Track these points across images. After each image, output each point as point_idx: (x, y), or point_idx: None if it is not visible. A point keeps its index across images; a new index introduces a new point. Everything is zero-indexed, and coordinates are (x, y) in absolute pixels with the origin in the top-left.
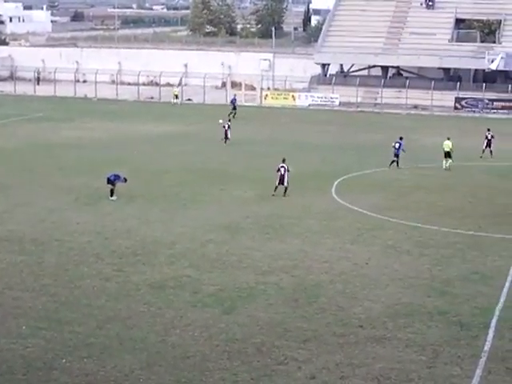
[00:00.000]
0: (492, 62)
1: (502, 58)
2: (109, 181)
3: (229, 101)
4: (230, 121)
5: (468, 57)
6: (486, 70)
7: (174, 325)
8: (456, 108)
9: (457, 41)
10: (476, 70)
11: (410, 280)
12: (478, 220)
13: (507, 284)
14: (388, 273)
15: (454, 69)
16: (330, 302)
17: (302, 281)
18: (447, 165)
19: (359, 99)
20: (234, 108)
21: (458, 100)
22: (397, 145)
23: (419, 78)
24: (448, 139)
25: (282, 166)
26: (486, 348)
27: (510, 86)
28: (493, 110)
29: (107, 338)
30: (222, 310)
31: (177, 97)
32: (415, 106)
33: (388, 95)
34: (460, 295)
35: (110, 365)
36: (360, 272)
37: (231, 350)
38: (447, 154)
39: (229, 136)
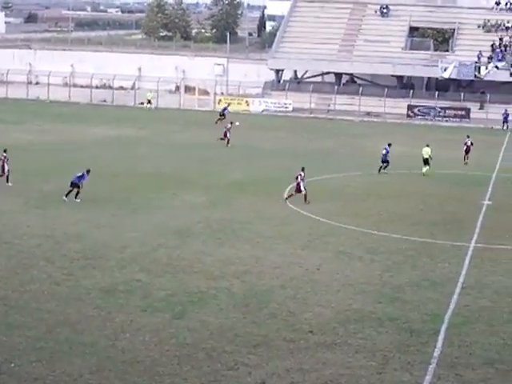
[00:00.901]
0: (445, 70)
1: (454, 66)
2: (72, 184)
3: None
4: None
5: (421, 65)
6: (439, 79)
7: (124, 329)
8: (408, 115)
9: (410, 49)
10: (429, 78)
11: (361, 286)
12: (428, 227)
13: (457, 290)
14: (339, 278)
15: (408, 76)
16: (280, 308)
17: (252, 286)
18: (424, 171)
19: (312, 105)
20: (222, 115)
21: (410, 108)
22: (384, 151)
23: (372, 85)
24: (427, 146)
25: (300, 174)
26: (436, 354)
27: (462, 94)
28: (445, 118)
29: (57, 342)
30: (172, 314)
31: (150, 102)
32: (368, 113)
33: (341, 102)
34: (410, 301)
35: (60, 369)
36: (311, 277)
37: (181, 355)
38: (426, 161)
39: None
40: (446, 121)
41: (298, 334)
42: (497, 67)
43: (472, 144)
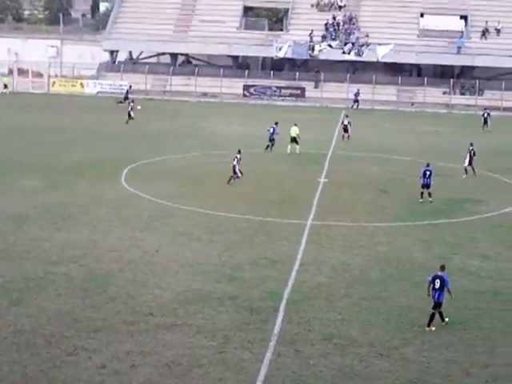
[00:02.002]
0: (280, 49)
1: (289, 46)
2: None
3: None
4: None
5: (256, 44)
6: (274, 58)
7: None
8: (245, 95)
9: (245, 28)
10: (264, 57)
11: (200, 266)
12: (266, 206)
13: (295, 268)
14: (178, 260)
15: (243, 56)
16: (119, 291)
17: (91, 270)
18: (297, 151)
19: (148, 86)
20: (126, 98)
21: (246, 87)
22: (271, 129)
23: (208, 65)
24: (295, 125)
25: (236, 157)
26: (276, 331)
27: (297, 73)
28: (281, 98)
29: None
30: (9, 301)
31: (6, 86)
32: (204, 94)
33: (177, 83)
34: (249, 280)
35: None
36: (150, 260)
37: (20, 342)
38: (293, 139)
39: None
40: (282, 100)
41: (137, 316)
42: (330, 46)
43: (349, 123)
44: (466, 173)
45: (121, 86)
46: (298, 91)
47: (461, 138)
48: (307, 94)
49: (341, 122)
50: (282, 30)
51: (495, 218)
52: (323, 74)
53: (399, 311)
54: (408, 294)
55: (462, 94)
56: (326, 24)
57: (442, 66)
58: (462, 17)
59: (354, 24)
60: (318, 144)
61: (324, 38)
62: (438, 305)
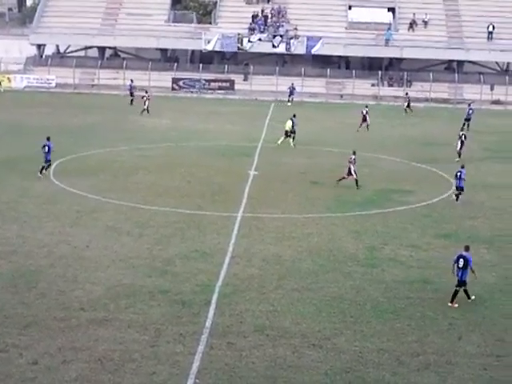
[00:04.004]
0: (208, 42)
1: (218, 39)
2: None
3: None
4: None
5: (185, 38)
6: (203, 51)
7: None
8: (173, 88)
9: (173, 21)
10: (193, 50)
11: (131, 261)
12: (196, 199)
13: (226, 260)
14: (108, 254)
15: (171, 49)
16: (50, 287)
17: (20, 266)
18: (292, 144)
19: (76, 80)
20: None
21: (175, 80)
22: (290, 122)
23: (137, 58)
24: (290, 119)
25: (351, 158)
26: (208, 324)
27: (226, 66)
28: (210, 91)
29: None
30: None
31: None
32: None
33: (105, 76)
34: (181, 273)
35: None
36: (80, 255)
37: None
38: (286, 133)
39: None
40: (211, 93)
41: (68, 312)
42: (260, 39)
43: (367, 113)
44: (459, 156)
45: (48, 80)
46: (228, 84)
47: (389, 130)
48: (236, 86)
49: (360, 111)
50: (210, 22)
51: (424, 208)
52: (252, 67)
53: (331, 302)
54: (339, 284)
55: (391, 85)
56: (254, 17)
57: (370, 58)
58: (389, 9)
59: (282, 17)
60: (247, 136)
61: (253, 30)
62: (461, 283)
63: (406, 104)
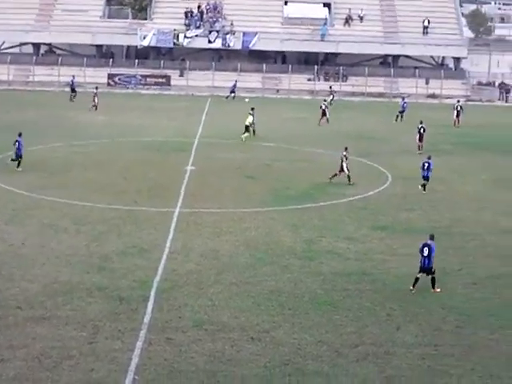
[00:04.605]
0: (144, 38)
1: (153, 34)
2: None
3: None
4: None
5: (120, 33)
6: (139, 47)
7: None
8: (109, 84)
9: (109, 17)
10: (128, 46)
11: (68, 257)
12: (133, 195)
13: (164, 256)
14: (45, 252)
15: (107, 45)
16: None
17: None
18: (243, 139)
19: (11, 77)
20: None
21: (110, 76)
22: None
23: (72, 55)
24: (250, 114)
25: (344, 154)
26: (146, 320)
27: (162, 62)
28: (146, 86)
29: None
30: None
31: None
32: (68, 84)
33: (40, 73)
34: (118, 270)
35: None
36: (16, 253)
37: None
38: (247, 128)
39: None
40: (147, 89)
41: (5, 310)
42: (196, 35)
43: (327, 107)
44: (419, 149)
45: None
46: (164, 80)
47: (326, 124)
48: (173, 82)
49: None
50: (145, 18)
51: (360, 201)
52: (188, 63)
53: (269, 295)
54: (277, 277)
55: (327, 80)
56: (189, 12)
57: (306, 53)
58: (325, 4)
59: (218, 12)
60: (184, 132)
61: (188, 26)
62: (424, 270)
63: (331, 98)
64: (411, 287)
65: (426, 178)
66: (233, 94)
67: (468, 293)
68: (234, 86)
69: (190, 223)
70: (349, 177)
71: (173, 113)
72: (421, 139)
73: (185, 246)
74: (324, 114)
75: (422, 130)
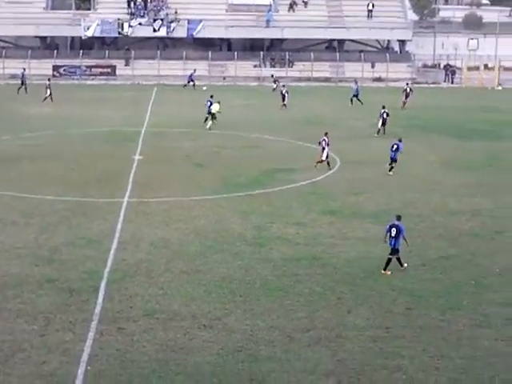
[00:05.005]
0: (88, 28)
1: (97, 24)
2: None
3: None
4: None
5: (64, 24)
6: (83, 37)
7: None
8: (54, 76)
9: (52, 8)
10: (73, 37)
11: (17, 251)
12: (81, 186)
13: (114, 246)
14: None
15: (51, 37)
16: None
17: None
18: (208, 126)
19: None
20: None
21: (55, 68)
22: (208, 103)
23: (15, 47)
24: (217, 103)
25: (324, 140)
26: (97, 311)
27: (106, 52)
28: (91, 77)
29: None
30: None
31: None
32: (13, 76)
33: None
34: (68, 261)
35: None
36: None
37: None
38: (213, 116)
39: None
40: (93, 79)
41: None
42: (140, 23)
43: (287, 92)
44: (378, 133)
45: None
46: (109, 70)
47: (273, 110)
48: (118, 72)
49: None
50: (89, 8)
51: (309, 186)
52: (133, 52)
53: (220, 282)
54: (228, 264)
55: (273, 66)
56: (133, 1)
57: (251, 39)
58: None
59: (162, 1)
60: (131, 121)
61: (133, 15)
62: (394, 251)
63: (275, 86)
64: (382, 271)
65: (393, 160)
66: (192, 83)
67: (418, 274)
68: (192, 74)
69: (139, 213)
70: (328, 162)
71: (119, 102)
72: (384, 123)
73: (134, 235)
74: (283, 98)
75: (385, 115)
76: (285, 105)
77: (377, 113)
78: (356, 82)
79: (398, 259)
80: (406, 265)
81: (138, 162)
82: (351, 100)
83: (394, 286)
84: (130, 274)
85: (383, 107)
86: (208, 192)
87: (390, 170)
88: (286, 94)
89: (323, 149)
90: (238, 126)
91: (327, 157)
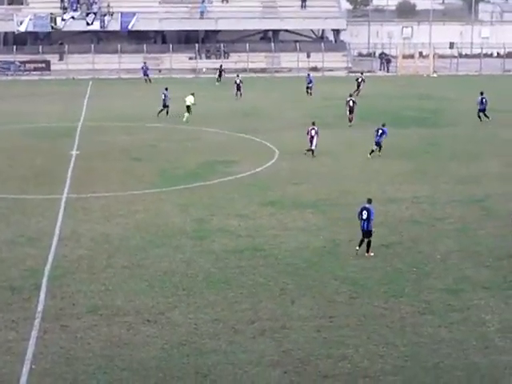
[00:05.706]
0: (21, 23)
1: (30, 19)
2: None
3: None
4: None
5: None
6: (16, 32)
7: None
8: None
9: None
10: (6, 32)
11: None
12: (19, 183)
13: (54, 243)
14: None
15: None
16: None
17: None
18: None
19: None
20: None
21: None
22: (163, 95)
23: None
24: (191, 94)
25: (313, 129)
26: (40, 309)
27: (40, 47)
28: (25, 72)
29: None
30: None
31: None
32: None
33: None
34: (8, 259)
35: None
36: None
37: None
38: (188, 108)
39: None
40: (27, 74)
41: None
42: (73, 17)
43: (241, 82)
44: (350, 121)
45: None
46: (43, 65)
47: (211, 102)
48: (52, 67)
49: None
50: (22, 3)
51: (248, 178)
52: (67, 46)
53: (162, 276)
54: (169, 258)
55: (208, 57)
56: None
57: (186, 31)
58: None
59: None
60: (67, 116)
61: (65, 9)
62: (366, 233)
63: (218, 74)
64: (357, 247)
65: (377, 144)
66: (147, 77)
67: (359, 263)
68: (145, 67)
69: (78, 209)
70: (312, 151)
71: (55, 98)
72: (351, 111)
73: (74, 231)
74: (238, 88)
75: (351, 103)
76: (241, 94)
77: (313, 103)
78: (308, 75)
79: (369, 243)
80: (372, 254)
81: (76, 158)
82: (307, 91)
83: (336, 275)
84: (72, 270)
85: (350, 95)
86: (147, 186)
87: (370, 154)
88: (241, 84)
89: (312, 137)
90: (174, 119)
91: (316, 145)
